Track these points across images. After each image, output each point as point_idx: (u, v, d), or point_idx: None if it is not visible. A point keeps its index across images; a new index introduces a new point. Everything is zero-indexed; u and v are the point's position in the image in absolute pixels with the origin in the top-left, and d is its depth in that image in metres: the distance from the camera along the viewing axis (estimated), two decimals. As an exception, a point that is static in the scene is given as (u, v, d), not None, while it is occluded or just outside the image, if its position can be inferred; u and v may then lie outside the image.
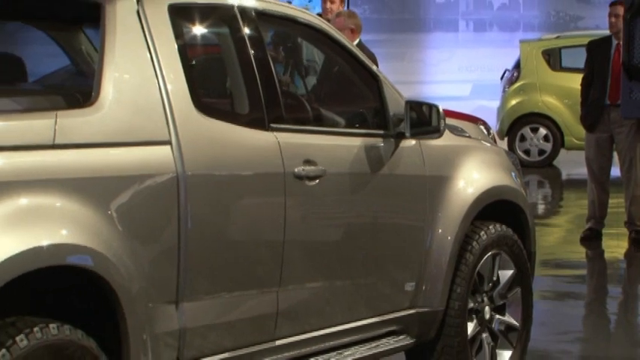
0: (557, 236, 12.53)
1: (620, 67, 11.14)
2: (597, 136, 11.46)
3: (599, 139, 11.44)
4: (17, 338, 4.11)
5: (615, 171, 11.76)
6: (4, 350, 4.05)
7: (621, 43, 11.20)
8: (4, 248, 4.08)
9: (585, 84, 11.63)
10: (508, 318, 6.66)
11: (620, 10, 11.29)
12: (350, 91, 6.36)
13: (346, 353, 5.78)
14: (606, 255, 11.34)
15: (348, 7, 17.56)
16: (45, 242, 4.25)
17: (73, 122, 4.53)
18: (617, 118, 11.25)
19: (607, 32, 11.84)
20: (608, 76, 11.31)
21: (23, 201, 4.22)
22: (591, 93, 11.46)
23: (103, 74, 4.71)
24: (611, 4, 11.66)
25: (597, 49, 11.70)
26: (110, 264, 4.46)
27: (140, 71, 4.85)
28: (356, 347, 5.85)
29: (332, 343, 5.71)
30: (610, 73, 11.29)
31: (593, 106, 11.45)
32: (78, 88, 4.85)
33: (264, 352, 5.32)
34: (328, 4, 10.94)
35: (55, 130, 4.42)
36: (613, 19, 11.42)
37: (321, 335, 5.63)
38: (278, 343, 5.38)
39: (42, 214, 4.29)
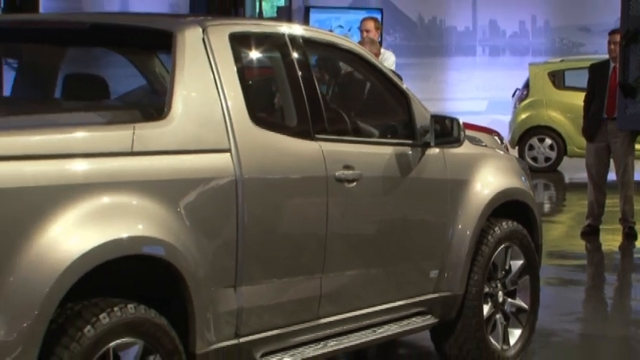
0: (560, 231, 12.47)
1: (616, 86, 11.07)
2: (596, 146, 11.42)
3: (597, 148, 11.40)
4: (100, 316, 4.13)
5: (611, 175, 11.68)
6: (89, 326, 4.07)
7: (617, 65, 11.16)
8: (90, 240, 4.11)
9: (587, 100, 11.59)
10: (518, 301, 6.62)
11: (618, 38, 11.19)
12: (383, 106, 6.34)
13: (379, 330, 5.77)
14: (603, 248, 11.28)
15: (381, 36, 17.56)
16: (124, 235, 4.27)
17: (148, 133, 4.55)
18: (614, 129, 11.18)
19: (604, 56, 11.78)
20: (606, 94, 11.24)
21: (106, 200, 4.24)
22: (592, 108, 11.41)
23: (173, 92, 4.73)
24: (610, 33, 11.59)
25: (597, 71, 11.66)
26: (179, 254, 4.47)
27: (205, 90, 4.86)
28: (388, 325, 5.84)
29: (367, 322, 5.69)
30: (607, 91, 11.24)
31: (593, 120, 11.40)
32: (152, 104, 4.87)
33: (309, 330, 5.31)
34: (365, 34, 10.95)
35: (133, 139, 4.44)
36: (612, 46, 11.34)
37: (358, 315, 5.62)
38: (321, 321, 5.38)
39: (122, 211, 4.32)
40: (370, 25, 11.25)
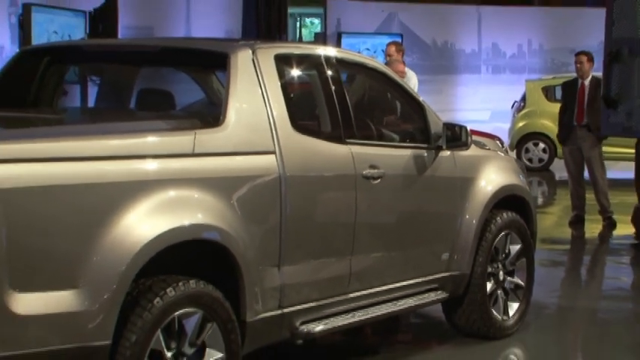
0: (551, 220, 12.40)
1: (583, 98, 11.10)
2: (570, 148, 11.41)
3: (571, 150, 11.39)
4: (167, 290, 4.15)
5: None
6: (158, 298, 4.10)
7: (585, 83, 11.16)
8: (159, 227, 4.13)
9: (561, 111, 11.59)
10: (516, 279, 6.58)
11: (583, 59, 11.26)
12: (402, 115, 6.34)
13: (399, 303, 5.75)
14: (587, 235, 11.21)
15: (403, 56, 17.51)
16: (187, 222, 4.29)
17: (207, 138, 4.56)
18: (582, 134, 11.15)
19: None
20: (576, 106, 11.23)
21: (172, 193, 4.26)
22: (566, 118, 11.40)
23: (228, 104, 4.74)
24: (576, 55, 11.56)
25: (568, 87, 11.66)
26: (232, 238, 4.48)
27: (254, 101, 4.87)
28: (406, 299, 5.82)
29: (389, 296, 5.69)
30: (577, 103, 11.22)
31: (565, 127, 11.40)
32: (210, 113, 4.88)
33: (340, 302, 5.31)
34: (388, 57, 10.94)
35: (194, 143, 4.46)
36: (578, 65, 11.33)
37: (382, 290, 5.61)
38: (350, 295, 5.37)
39: (185, 203, 4.33)
40: (392, 49, 11.22)
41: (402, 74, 9.56)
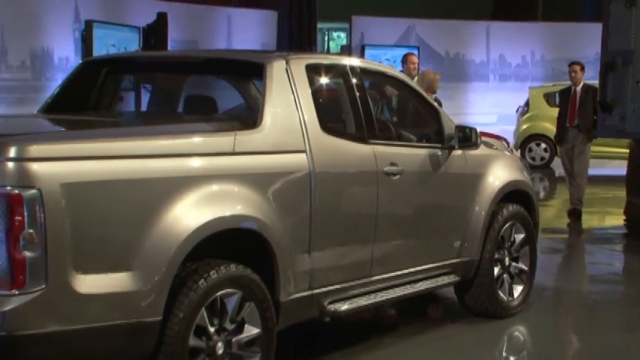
0: (552, 212, 12.34)
1: (575, 102, 11.11)
2: (565, 147, 11.40)
3: (567, 149, 11.38)
4: (210, 272, 4.16)
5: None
6: (202, 280, 4.11)
7: (578, 89, 11.17)
8: (203, 217, 4.14)
9: (560, 116, 11.59)
10: (520, 265, 6.56)
11: (577, 68, 11.28)
12: (419, 118, 6.32)
13: (416, 285, 5.74)
14: (583, 225, 11.14)
15: (417, 70, 17.46)
16: (228, 213, 4.29)
17: (246, 138, 4.57)
18: (574, 134, 11.15)
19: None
20: (569, 110, 11.23)
21: (215, 187, 4.26)
22: (560, 121, 11.42)
23: (264, 108, 4.74)
24: (570, 64, 11.57)
25: (563, 94, 11.65)
26: (268, 227, 4.48)
27: (287, 106, 4.86)
28: (422, 282, 5.80)
29: (407, 279, 5.67)
30: (569, 107, 11.22)
31: (560, 129, 11.41)
32: (248, 117, 4.89)
33: (363, 285, 5.30)
34: (405, 67, 10.92)
35: (234, 143, 4.46)
36: (573, 74, 11.35)
37: (400, 274, 5.59)
38: (372, 278, 5.36)
39: (226, 195, 4.33)
40: (414, 58, 11.16)
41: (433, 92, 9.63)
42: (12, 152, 3.53)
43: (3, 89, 13.49)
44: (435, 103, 6.15)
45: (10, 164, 3.51)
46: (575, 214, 11.24)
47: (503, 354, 6.00)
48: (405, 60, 10.88)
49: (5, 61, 13.55)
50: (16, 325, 3.50)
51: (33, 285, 3.53)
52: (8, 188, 3.49)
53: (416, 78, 10.82)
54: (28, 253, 3.50)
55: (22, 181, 3.51)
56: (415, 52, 17.36)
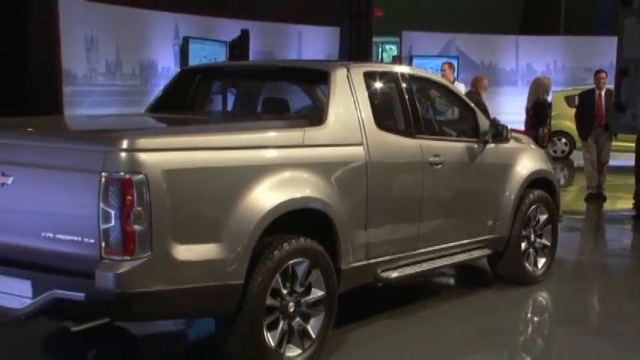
0: (571, 197, 12.06)
1: (601, 105, 10.83)
2: (588, 142, 11.07)
3: (589, 144, 11.06)
4: (284, 244, 4.17)
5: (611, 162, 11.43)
6: (276, 251, 4.12)
7: (602, 93, 10.90)
8: (277, 198, 4.13)
9: (578, 114, 11.28)
10: (544, 241, 6.46)
11: (604, 75, 11.03)
12: (458, 116, 6.24)
13: (454, 257, 5.68)
14: (598, 208, 10.90)
15: (458, 75, 17.26)
16: (298, 195, 4.29)
17: (313, 133, 4.56)
18: (599, 132, 10.88)
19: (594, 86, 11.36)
20: (596, 111, 10.93)
21: (287, 174, 4.26)
22: (586, 120, 11.06)
23: (328, 108, 4.73)
24: (599, 72, 11.27)
25: (585, 96, 11.34)
26: (331, 208, 4.47)
27: (347, 106, 4.84)
28: (460, 255, 5.74)
29: (447, 252, 5.62)
30: (597, 109, 10.91)
31: (588, 127, 11.05)
32: (316, 116, 4.88)
33: (410, 256, 5.26)
34: (444, 74, 10.86)
35: (304, 137, 4.46)
36: (602, 80, 11.05)
37: (441, 248, 5.54)
38: (417, 251, 5.32)
39: (296, 181, 4.32)
40: (445, 65, 11.34)
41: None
42: (124, 144, 3.58)
43: (118, 93, 13.75)
44: (472, 104, 6.06)
45: (123, 154, 3.57)
46: (600, 198, 10.96)
47: (529, 315, 5.91)
48: (443, 69, 11.05)
49: (120, 71, 13.79)
50: (128, 285, 3.56)
51: (141, 252, 3.58)
52: (121, 174, 3.55)
53: (456, 82, 10.76)
54: (137, 227, 3.55)
55: (132, 168, 3.56)
56: (455, 61, 17.12)
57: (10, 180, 3.82)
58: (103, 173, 3.54)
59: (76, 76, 12.82)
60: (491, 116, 6.17)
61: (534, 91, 10.50)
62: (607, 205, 11.00)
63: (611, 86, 10.60)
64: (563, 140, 17.44)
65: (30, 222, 3.78)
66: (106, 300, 3.55)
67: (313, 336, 4.36)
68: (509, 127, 6.05)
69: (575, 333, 5.37)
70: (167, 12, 14.35)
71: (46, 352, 4.71)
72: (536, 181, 6.38)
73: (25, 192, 3.80)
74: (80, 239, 3.60)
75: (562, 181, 14.19)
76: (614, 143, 11.34)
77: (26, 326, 4.89)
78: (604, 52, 18.32)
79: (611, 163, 11.44)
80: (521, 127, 11.12)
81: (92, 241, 3.57)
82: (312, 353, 4.35)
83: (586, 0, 24.98)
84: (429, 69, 16.30)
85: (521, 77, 21.78)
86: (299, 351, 4.29)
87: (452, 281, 6.73)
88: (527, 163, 6.31)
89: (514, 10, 24.63)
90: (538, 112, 10.18)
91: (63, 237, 3.65)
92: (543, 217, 6.43)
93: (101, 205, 3.53)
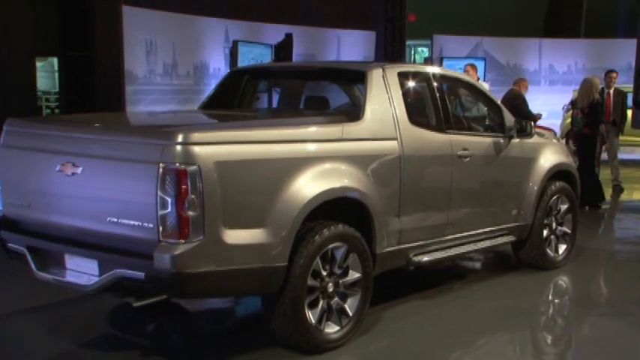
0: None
1: (610, 103, 10.44)
2: (599, 138, 10.68)
3: (600, 139, 10.61)
4: (324, 230, 4.17)
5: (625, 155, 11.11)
6: (317, 236, 4.12)
7: (611, 92, 10.53)
8: (318, 188, 4.13)
9: None
10: (565, 228, 6.35)
11: (614, 75, 10.59)
12: (485, 113, 6.15)
13: (480, 243, 5.63)
14: (619, 198, 10.65)
15: (485, 75, 17.04)
16: (337, 185, 4.27)
17: (351, 128, 4.53)
18: (608, 127, 10.40)
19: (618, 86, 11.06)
20: (604, 108, 10.45)
21: (327, 166, 4.25)
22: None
23: (365, 105, 4.71)
24: (609, 72, 10.82)
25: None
26: (367, 197, 4.45)
27: (383, 104, 4.81)
28: (486, 241, 5.68)
29: (474, 238, 5.56)
30: (605, 106, 10.47)
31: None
32: (353, 112, 4.86)
33: (439, 242, 5.22)
34: (469, 74, 10.77)
35: (342, 132, 4.44)
36: (613, 80, 10.66)
37: (468, 234, 5.49)
38: (446, 237, 5.28)
39: (335, 172, 4.31)
40: (468, 68, 11.22)
41: None
42: (180, 138, 3.61)
43: (174, 92, 13.88)
44: (498, 101, 5.98)
45: (179, 147, 3.59)
46: (618, 190, 10.66)
47: (549, 297, 5.82)
48: (466, 70, 10.99)
49: (176, 71, 13.91)
50: (182, 265, 3.58)
51: (194, 236, 3.60)
52: (177, 165, 3.57)
53: (479, 82, 10.60)
54: (191, 213, 3.58)
55: (187, 160, 3.58)
56: (482, 63, 16.91)
57: (79, 170, 3.88)
58: (161, 164, 3.57)
59: (137, 76, 12.99)
60: (535, 111, 6.03)
61: (588, 91, 9.82)
62: (624, 196, 10.76)
63: (621, 86, 10.37)
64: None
65: (97, 208, 3.84)
66: (163, 279, 3.59)
67: (350, 314, 4.36)
68: (532, 123, 5.96)
69: (592, 314, 5.30)
70: (218, 18, 14.42)
71: (111, 324, 4.79)
72: (558, 173, 6.27)
73: (93, 181, 3.86)
74: (140, 224, 3.64)
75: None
76: (629, 138, 11.05)
77: (94, 301, 4.99)
78: (623, 53, 17.93)
79: (630, 157, 11.16)
80: (544, 123, 10.94)
81: (151, 225, 3.61)
82: (349, 330, 4.35)
83: (607, 4, 24.40)
84: (458, 69, 16.13)
85: (544, 77, 21.42)
86: (337, 328, 4.30)
87: (478, 265, 6.66)
88: (550, 156, 6.20)
89: (537, 14, 24.22)
90: (594, 110, 9.72)
91: (125, 221, 3.70)
92: (564, 207, 6.32)
93: (159, 193, 3.57)
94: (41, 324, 4.74)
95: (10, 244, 4.28)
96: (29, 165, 4.17)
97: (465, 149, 5.30)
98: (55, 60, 14.48)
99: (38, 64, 13.68)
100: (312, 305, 4.17)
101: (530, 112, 10.26)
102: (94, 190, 3.85)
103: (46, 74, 15.97)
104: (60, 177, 3.93)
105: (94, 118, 4.67)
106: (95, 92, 12.28)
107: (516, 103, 10.03)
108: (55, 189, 3.99)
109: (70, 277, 3.94)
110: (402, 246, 4.85)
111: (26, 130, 4.27)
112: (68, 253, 3.96)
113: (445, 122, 5.24)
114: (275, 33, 14.82)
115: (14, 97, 10.48)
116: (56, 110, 15.02)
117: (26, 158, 4.19)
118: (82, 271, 3.90)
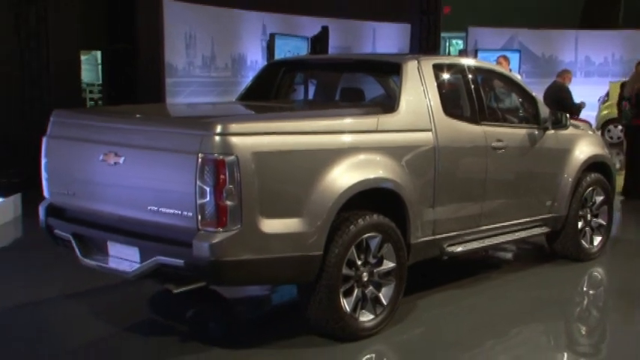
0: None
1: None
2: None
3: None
4: (359, 220, 4.16)
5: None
6: (352, 226, 4.11)
7: None
8: (354, 178, 4.11)
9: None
10: (599, 220, 6.24)
11: None
12: (520, 105, 6.05)
13: (516, 234, 5.56)
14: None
15: (520, 67, 16.78)
16: (372, 176, 4.25)
17: (386, 119, 4.51)
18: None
19: None
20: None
21: (362, 157, 4.23)
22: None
23: (400, 97, 4.67)
24: (638, 63, 10.49)
25: (623, 87, 10.63)
26: (402, 187, 4.42)
27: (418, 95, 4.76)
28: (520, 232, 5.61)
29: (508, 229, 5.49)
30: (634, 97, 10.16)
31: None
32: (389, 104, 4.82)
33: (474, 232, 5.16)
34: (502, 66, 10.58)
35: (377, 123, 4.42)
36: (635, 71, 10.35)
37: (503, 225, 5.42)
38: (481, 228, 5.22)
39: (370, 163, 4.28)
40: (501, 59, 11.04)
41: None
42: (218, 129, 3.62)
43: (212, 84, 13.98)
44: (533, 93, 5.89)
45: (217, 138, 3.60)
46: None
47: (584, 288, 5.73)
48: (499, 62, 10.72)
49: (214, 64, 13.99)
50: (220, 253, 3.61)
51: (232, 225, 3.62)
52: (216, 155, 3.59)
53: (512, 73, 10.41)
54: (229, 202, 3.60)
55: (225, 150, 3.60)
56: (517, 55, 16.63)
57: (121, 160, 3.92)
58: (200, 154, 3.59)
59: (177, 68, 13.11)
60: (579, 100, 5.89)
61: (637, 81, 9.68)
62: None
63: None
64: (619, 127, 16.74)
65: (138, 196, 3.88)
66: (201, 266, 3.62)
67: (385, 303, 4.35)
68: (567, 114, 5.85)
69: (626, 305, 5.21)
70: (255, 11, 14.45)
71: (151, 310, 4.86)
72: (593, 164, 6.15)
73: (134, 170, 3.90)
74: (180, 212, 3.67)
75: (617, 165, 13.62)
76: None
77: (135, 287, 5.06)
78: (660, 44, 17.51)
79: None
80: (581, 114, 10.70)
81: (190, 214, 3.63)
82: (383, 318, 4.34)
83: (644, -5, 23.81)
84: (493, 61, 15.92)
85: (580, 69, 21.00)
86: (372, 316, 4.29)
87: (513, 256, 6.58)
88: (585, 148, 6.09)
89: (574, 5, 23.73)
90: None
91: (165, 210, 3.73)
92: (599, 199, 6.21)
93: (198, 182, 3.59)
94: (85, 308, 4.83)
95: (56, 231, 4.37)
96: (74, 155, 4.23)
97: (499, 140, 5.23)
98: (98, 53, 14.71)
99: (82, 58, 13.91)
100: (347, 294, 4.16)
101: (574, 103, 10.05)
102: (135, 180, 3.89)
103: (90, 67, 16.23)
104: (103, 166, 3.98)
105: (135, 110, 4.72)
106: (136, 84, 12.49)
107: (561, 95, 9.85)
108: (99, 178, 4.05)
109: (113, 264, 4.00)
110: (437, 236, 4.81)
111: (71, 120, 4.34)
112: (110, 240, 4.02)
113: (479, 114, 5.17)
114: (311, 26, 14.79)
115: (61, 90, 10.72)
116: (99, 102, 15.26)
117: (71, 148, 4.26)
118: (123, 257, 3.96)
